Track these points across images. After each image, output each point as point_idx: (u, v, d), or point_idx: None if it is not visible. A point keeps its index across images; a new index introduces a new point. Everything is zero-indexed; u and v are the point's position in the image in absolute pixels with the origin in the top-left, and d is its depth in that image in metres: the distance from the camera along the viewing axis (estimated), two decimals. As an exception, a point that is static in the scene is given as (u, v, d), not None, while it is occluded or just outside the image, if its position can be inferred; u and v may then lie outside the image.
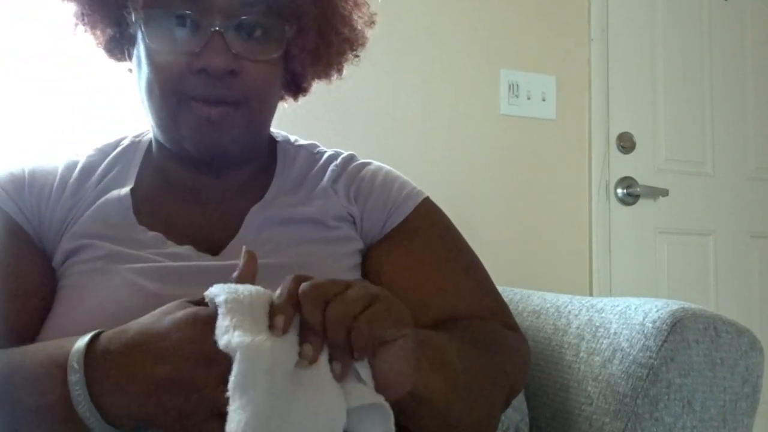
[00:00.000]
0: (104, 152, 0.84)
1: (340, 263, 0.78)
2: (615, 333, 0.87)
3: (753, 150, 2.29)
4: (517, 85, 1.97)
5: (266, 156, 0.87)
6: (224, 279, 0.68)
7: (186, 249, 0.74)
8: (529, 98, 1.99)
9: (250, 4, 0.71)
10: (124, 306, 0.66)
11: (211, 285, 0.60)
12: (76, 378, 0.53)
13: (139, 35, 0.73)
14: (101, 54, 0.82)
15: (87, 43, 0.80)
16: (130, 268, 0.71)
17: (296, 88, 0.88)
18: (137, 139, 0.87)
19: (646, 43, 2.15)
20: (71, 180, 0.79)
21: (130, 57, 0.79)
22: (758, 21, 2.32)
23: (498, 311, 0.81)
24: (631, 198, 2.07)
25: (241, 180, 0.83)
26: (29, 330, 0.69)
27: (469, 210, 1.86)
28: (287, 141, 0.90)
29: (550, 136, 2.01)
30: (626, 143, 2.09)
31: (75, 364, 0.54)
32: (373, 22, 0.86)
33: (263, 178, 0.84)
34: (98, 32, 0.78)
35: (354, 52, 0.87)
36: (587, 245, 2.03)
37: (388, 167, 0.90)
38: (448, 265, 0.81)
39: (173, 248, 0.74)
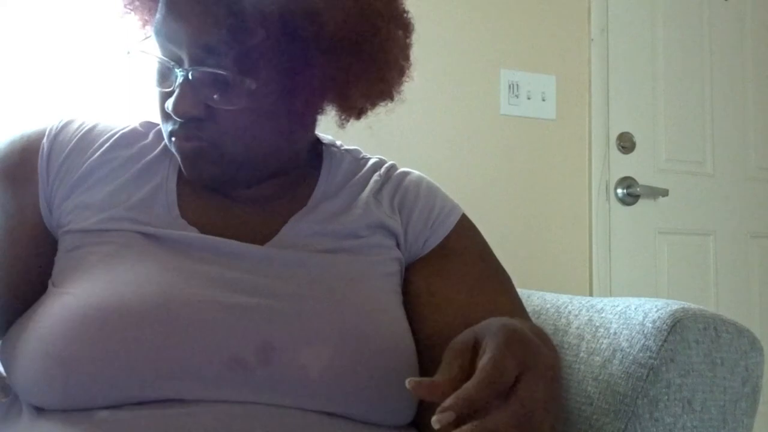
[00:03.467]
0: (141, 132, 0.84)
1: (376, 272, 0.77)
2: (615, 333, 0.87)
3: (753, 150, 2.29)
4: (517, 85, 1.97)
5: (310, 160, 0.85)
6: (266, 264, 0.72)
7: (226, 241, 0.74)
8: (529, 98, 1.99)
9: (214, 53, 0.69)
10: (170, 283, 0.67)
11: (253, 269, 0.68)
12: None
13: None
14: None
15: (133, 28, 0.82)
16: (171, 248, 0.72)
17: (348, 109, 0.82)
18: None
19: (646, 43, 2.15)
20: (114, 140, 0.80)
21: None
22: (758, 21, 2.32)
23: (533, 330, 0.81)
24: (631, 198, 2.07)
25: (277, 188, 0.81)
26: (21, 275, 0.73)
27: (468, 210, 1.85)
28: (333, 144, 0.89)
29: (550, 136, 2.01)
30: (626, 143, 2.09)
31: None
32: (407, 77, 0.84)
33: (307, 181, 0.83)
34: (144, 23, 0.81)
35: (389, 100, 0.83)
36: (587, 245, 2.03)
37: (427, 178, 0.89)
38: (490, 286, 0.80)
39: (213, 239, 0.74)
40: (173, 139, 0.74)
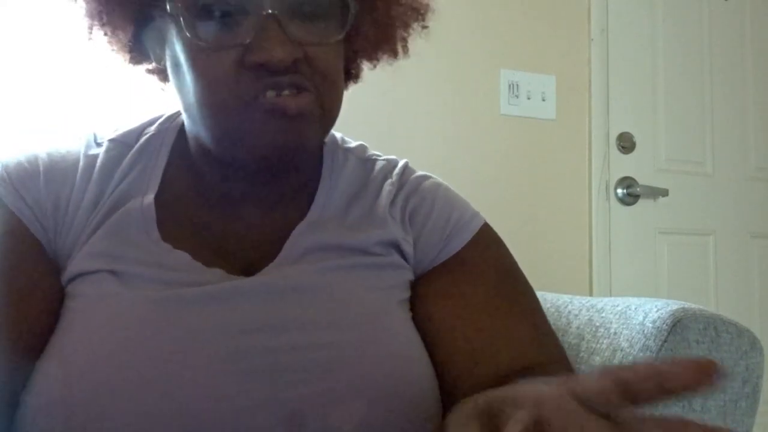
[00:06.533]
0: (125, 144, 0.69)
1: (393, 301, 0.67)
2: (615, 333, 0.87)
3: (753, 150, 2.29)
4: (517, 85, 1.97)
5: (316, 160, 0.73)
6: (255, 301, 0.59)
7: (215, 273, 0.62)
8: (529, 98, 1.99)
9: None
10: (134, 339, 0.56)
11: (240, 309, 0.56)
12: None
13: (173, 33, 0.60)
14: (116, 58, 0.69)
15: (101, 47, 0.68)
16: (148, 296, 0.59)
17: (346, 74, 0.73)
18: (165, 126, 0.71)
19: (646, 43, 2.15)
20: (93, 179, 0.65)
21: (156, 59, 0.67)
22: (758, 21, 2.32)
23: (559, 358, 0.68)
24: (631, 198, 2.07)
25: (289, 188, 0.69)
26: (30, 346, 0.58)
27: (469, 210, 1.86)
28: (335, 143, 0.75)
29: (550, 136, 2.01)
30: (626, 143, 2.09)
31: None
32: None
33: (308, 188, 0.71)
34: (119, 32, 0.66)
35: (422, 22, 0.73)
36: (587, 245, 2.03)
37: (444, 183, 0.78)
38: (503, 309, 0.68)
39: (200, 272, 0.62)
40: (266, 98, 0.58)
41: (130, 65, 0.70)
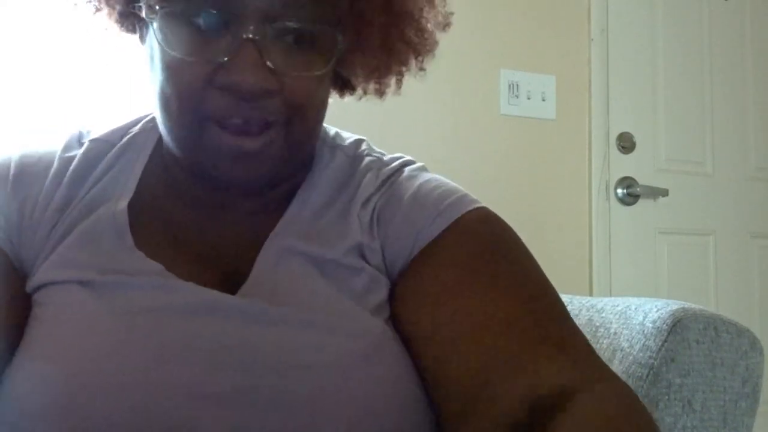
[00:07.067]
0: (108, 143, 0.66)
1: (374, 316, 0.60)
2: (615, 333, 0.87)
3: (753, 150, 2.29)
4: (517, 85, 1.97)
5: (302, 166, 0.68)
6: (228, 320, 0.54)
7: (189, 287, 0.57)
8: (529, 98, 1.99)
9: (296, 4, 0.55)
10: (101, 352, 0.53)
11: (212, 327, 0.52)
12: None
13: (152, 32, 0.57)
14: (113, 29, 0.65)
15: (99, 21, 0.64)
16: (118, 307, 0.55)
17: (342, 83, 0.70)
18: (149, 125, 0.68)
19: (646, 43, 2.15)
20: (64, 182, 0.62)
21: (141, 39, 0.63)
22: (758, 21, 2.32)
23: (579, 359, 0.54)
24: (631, 198, 2.07)
25: (271, 198, 0.65)
26: None
27: (469, 210, 1.86)
28: (324, 140, 0.70)
29: (550, 136, 2.01)
30: (626, 143, 2.09)
31: None
32: (447, 24, 0.69)
33: (292, 194, 0.66)
34: (107, 9, 0.62)
35: (420, 62, 0.70)
36: (587, 245, 2.03)
37: (429, 175, 0.69)
38: (480, 289, 0.57)
39: (172, 285, 0.58)
40: (221, 129, 0.56)
41: (123, 34, 0.65)
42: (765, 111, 2.31)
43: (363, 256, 0.62)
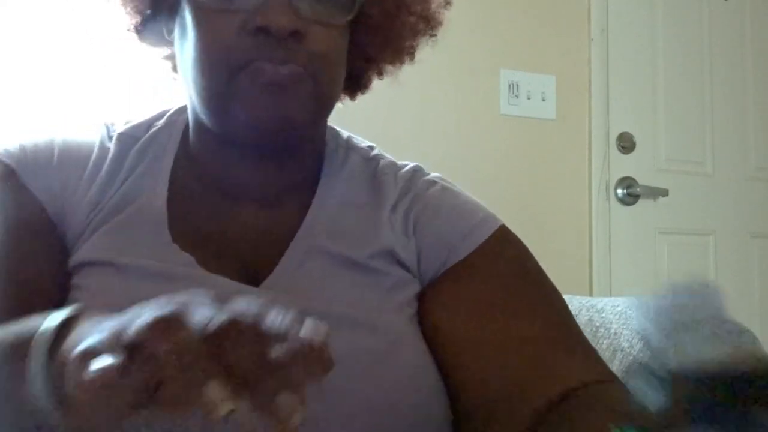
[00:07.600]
0: (134, 137, 0.69)
1: (397, 313, 0.64)
2: (615, 333, 0.87)
3: (753, 150, 2.29)
4: (517, 85, 1.97)
5: (317, 157, 0.71)
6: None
7: (219, 280, 0.61)
8: (529, 98, 1.99)
9: None
10: None
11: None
12: (37, 368, 0.41)
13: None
14: (131, 39, 0.69)
15: (116, 28, 0.68)
16: (152, 296, 0.54)
17: (354, 83, 0.75)
18: (173, 119, 0.71)
19: (646, 43, 2.15)
20: (102, 172, 0.66)
21: (167, 31, 0.67)
22: (758, 21, 2.32)
23: (596, 370, 0.63)
24: (631, 198, 2.07)
25: (293, 180, 0.68)
26: None
27: (469, 210, 1.86)
28: (337, 141, 0.74)
29: (550, 136, 2.01)
30: (626, 143, 2.09)
31: (39, 350, 0.42)
32: (449, 3, 0.73)
33: (308, 187, 0.69)
34: (130, 9, 0.66)
35: (431, 32, 0.73)
36: (587, 245, 2.03)
37: (455, 188, 0.74)
38: (511, 311, 0.65)
39: (204, 276, 0.61)
40: (255, 65, 0.58)
41: (143, 46, 0.69)
42: (765, 111, 2.31)
43: (395, 260, 0.67)
